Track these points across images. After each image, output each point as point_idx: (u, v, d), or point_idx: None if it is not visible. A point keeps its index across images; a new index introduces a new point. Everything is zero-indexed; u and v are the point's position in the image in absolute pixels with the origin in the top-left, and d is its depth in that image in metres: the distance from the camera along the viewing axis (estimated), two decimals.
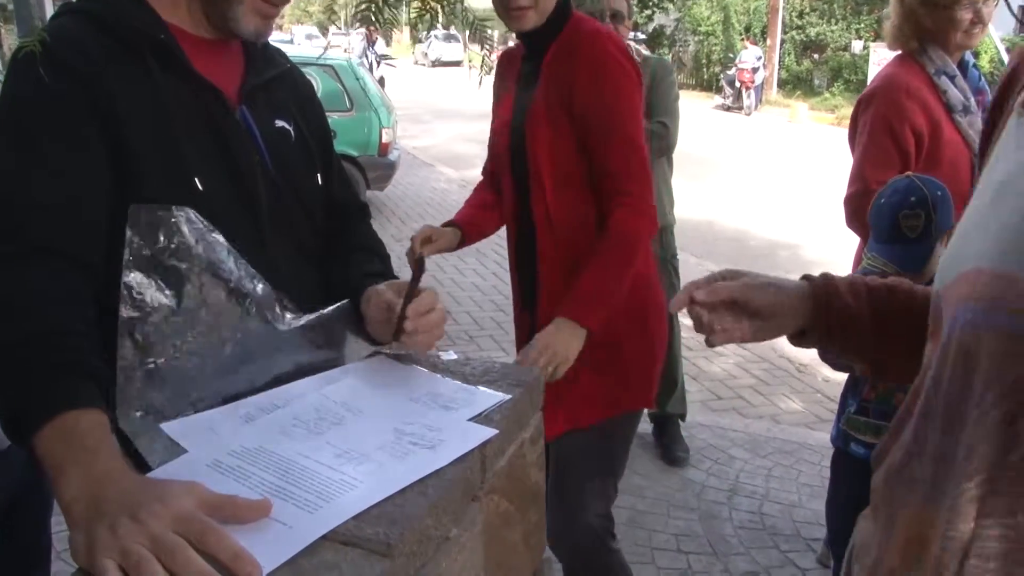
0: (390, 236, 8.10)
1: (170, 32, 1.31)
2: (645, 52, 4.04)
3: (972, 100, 2.62)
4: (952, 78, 2.60)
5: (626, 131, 2.01)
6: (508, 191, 2.26)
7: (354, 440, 1.05)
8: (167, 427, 1.09)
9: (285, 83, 1.51)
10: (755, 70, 20.41)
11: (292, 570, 0.82)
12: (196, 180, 1.28)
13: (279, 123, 1.45)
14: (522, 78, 2.19)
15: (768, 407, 4.63)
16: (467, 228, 2.34)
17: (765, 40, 22.73)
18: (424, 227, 2.29)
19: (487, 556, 1.06)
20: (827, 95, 21.45)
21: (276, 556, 0.82)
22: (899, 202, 2.17)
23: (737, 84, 19.90)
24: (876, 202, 2.25)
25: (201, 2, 1.33)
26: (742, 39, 22.38)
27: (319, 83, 8.03)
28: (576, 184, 2.08)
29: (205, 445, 1.05)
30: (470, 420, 1.13)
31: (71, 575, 0.84)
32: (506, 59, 2.32)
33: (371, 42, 14.92)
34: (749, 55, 20.57)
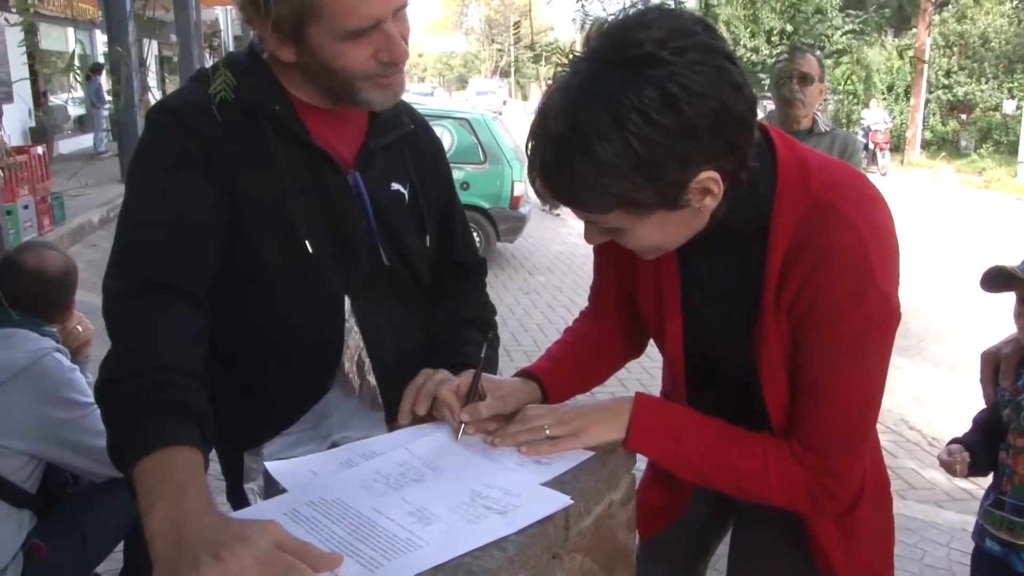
0: (518, 288, 8.23)
1: (289, 101, 1.40)
2: (831, 125, 3.80)
3: None
4: None
5: (847, 392, 1.28)
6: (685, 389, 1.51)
7: (429, 499, 1.08)
8: (271, 466, 1.14)
9: (407, 144, 1.56)
10: (888, 130, 19.84)
11: None
12: (307, 243, 1.37)
13: (394, 186, 1.52)
14: (693, 261, 1.38)
15: (895, 481, 4.39)
16: (550, 385, 1.48)
17: (908, 100, 22.06)
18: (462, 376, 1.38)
19: None
20: (975, 157, 20.59)
21: None
22: None
23: (871, 146, 19.30)
24: None
25: (325, 88, 1.39)
26: (872, 99, 21.72)
27: (455, 136, 8.28)
28: None
29: (302, 487, 1.09)
30: (546, 484, 1.13)
31: None
32: None
33: None
34: (874, 116, 19.94)
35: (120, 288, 1.25)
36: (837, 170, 1.30)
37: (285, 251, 1.37)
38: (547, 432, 1.26)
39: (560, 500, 1.09)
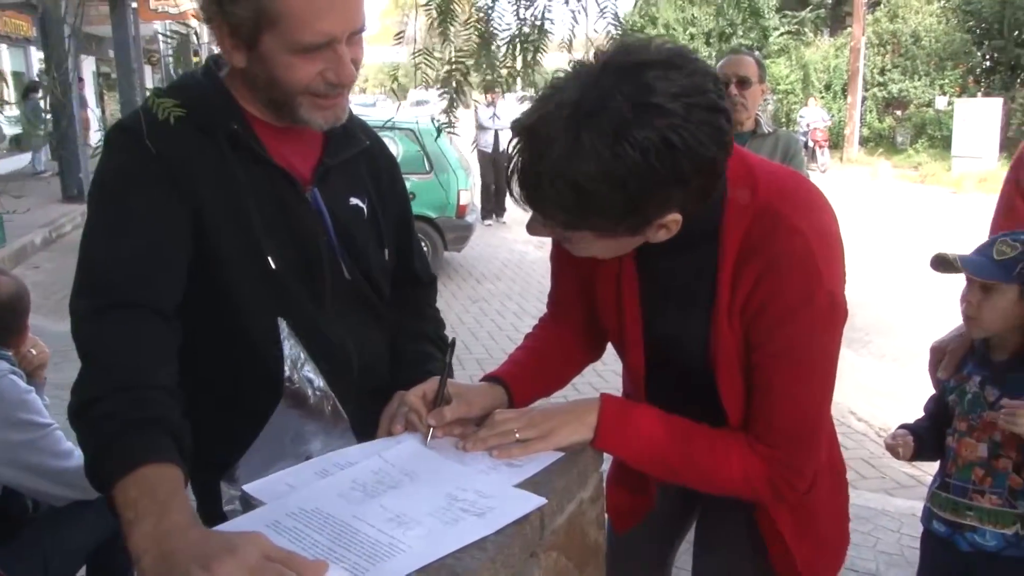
0: (466, 297, 8.22)
1: (245, 120, 1.42)
2: (773, 126, 3.88)
3: None
4: None
5: (799, 390, 1.35)
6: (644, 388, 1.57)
7: (407, 504, 1.10)
8: (248, 487, 1.16)
9: (364, 161, 1.59)
10: (827, 128, 20.31)
11: None
12: (269, 259, 1.39)
13: (353, 201, 1.54)
14: (651, 259, 1.43)
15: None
16: (515, 388, 1.52)
17: (846, 98, 22.50)
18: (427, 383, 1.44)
19: None
20: (910, 152, 21.05)
21: None
22: (1009, 231, 2.23)
23: (810, 144, 19.66)
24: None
25: (268, 99, 1.42)
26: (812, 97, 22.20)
27: (399, 146, 8.24)
28: None
29: (281, 499, 1.11)
30: (519, 485, 1.17)
31: None
32: None
33: (494, 104, 12.94)
34: (812, 114, 20.41)
35: (88, 308, 1.25)
36: (782, 177, 1.36)
37: (249, 267, 1.39)
38: (517, 435, 1.30)
39: (535, 500, 1.12)
